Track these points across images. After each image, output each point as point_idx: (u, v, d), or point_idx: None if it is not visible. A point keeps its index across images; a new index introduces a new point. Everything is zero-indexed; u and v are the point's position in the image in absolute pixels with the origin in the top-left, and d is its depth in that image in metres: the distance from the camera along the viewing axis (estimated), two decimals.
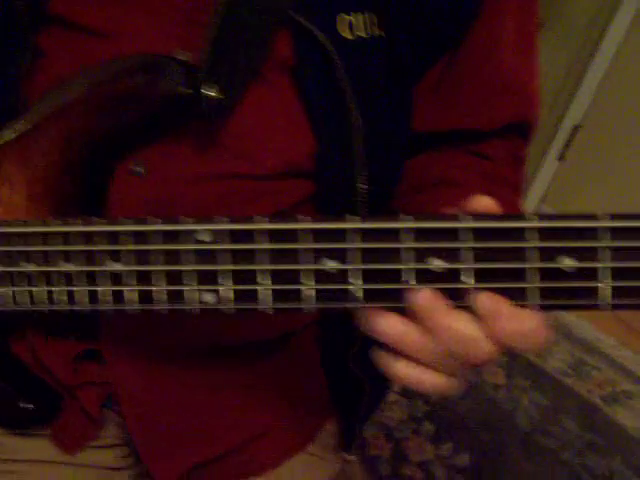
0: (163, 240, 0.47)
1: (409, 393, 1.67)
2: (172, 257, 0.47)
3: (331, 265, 0.44)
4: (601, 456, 1.60)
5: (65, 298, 0.50)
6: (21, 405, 0.63)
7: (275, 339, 0.66)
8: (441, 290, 0.41)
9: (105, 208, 0.56)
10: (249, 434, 0.67)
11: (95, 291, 0.49)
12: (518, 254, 0.41)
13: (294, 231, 0.44)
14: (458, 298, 0.41)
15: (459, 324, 0.39)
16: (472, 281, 0.41)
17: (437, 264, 0.42)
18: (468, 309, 0.41)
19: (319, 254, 0.43)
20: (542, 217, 0.40)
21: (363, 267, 0.43)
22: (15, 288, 0.50)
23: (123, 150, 0.54)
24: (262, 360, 0.67)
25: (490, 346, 0.39)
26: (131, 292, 0.48)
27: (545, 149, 2.41)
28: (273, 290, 0.45)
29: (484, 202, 0.41)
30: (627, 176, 2.21)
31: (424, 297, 0.40)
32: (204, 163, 0.54)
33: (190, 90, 0.49)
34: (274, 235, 0.44)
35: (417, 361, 0.41)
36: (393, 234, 0.42)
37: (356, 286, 0.43)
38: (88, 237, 0.48)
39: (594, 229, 0.40)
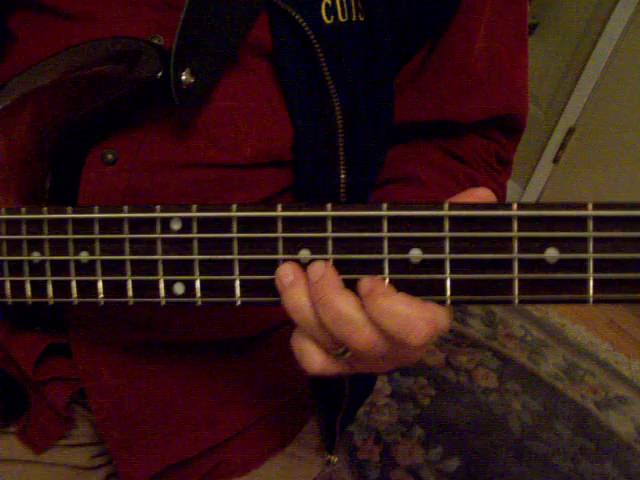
0: (130, 229, 0.45)
1: (399, 396, 1.65)
2: (139, 246, 0.45)
3: (304, 254, 0.42)
4: (594, 462, 1.58)
5: (28, 288, 0.48)
6: None
7: (253, 336, 0.64)
8: (417, 281, 0.40)
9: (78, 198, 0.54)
10: (225, 434, 0.65)
11: (59, 282, 0.47)
12: (497, 244, 0.39)
13: (268, 219, 0.42)
14: (435, 292, 0.40)
15: (341, 302, 0.38)
16: (447, 272, 0.39)
17: (415, 254, 0.40)
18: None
19: (295, 244, 0.42)
20: (523, 205, 0.38)
21: (338, 256, 0.41)
22: None
23: (94, 136, 0.52)
24: (239, 357, 0.65)
25: (369, 331, 0.38)
26: (95, 283, 0.46)
27: (540, 151, 2.40)
28: (243, 281, 0.43)
29: (480, 193, 0.39)
30: (622, 178, 2.20)
31: (315, 271, 0.39)
32: (179, 151, 0.52)
33: (159, 73, 0.47)
34: (246, 223, 0.42)
35: (307, 335, 0.41)
36: (370, 222, 0.40)
37: None
38: (55, 226, 0.47)
39: (579, 218, 0.38)
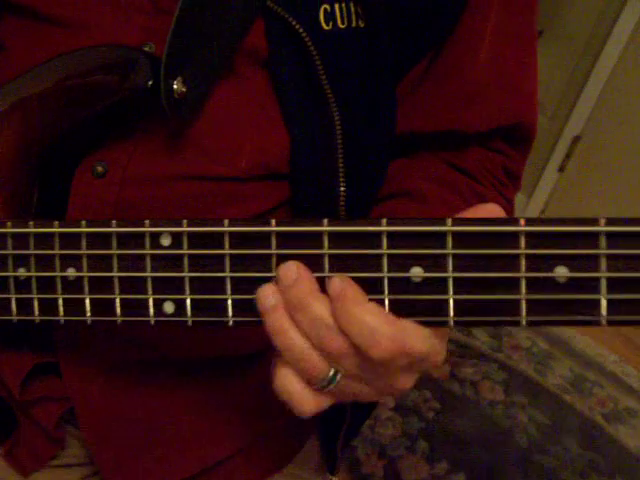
0: (119, 244, 0.43)
1: (403, 409, 1.62)
2: (128, 263, 0.43)
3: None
4: (603, 477, 1.54)
5: (14, 305, 0.46)
6: None
7: (249, 354, 0.62)
8: (418, 301, 0.38)
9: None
10: (222, 454, 0.63)
11: (46, 299, 0.45)
12: (504, 262, 0.37)
13: (262, 235, 0.40)
14: (437, 313, 0.37)
15: (315, 305, 0.37)
16: (451, 292, 0.37)
17: (416, 272, 0.38)
18: None
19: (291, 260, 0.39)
20: (531, 221, 0.36)
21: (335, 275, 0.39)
22: None
23: (84, 148, 0.50)
24: (235, 376, 0.63)
25: (341, 339, 0.37)
26: (82, 301, 0.44)
27: (545, 160, 2.38)
28: (235, 300, 0.41)
29: (488, 209, 0.37)
30: (629, 187, 2.17)
31: (288, 275, 0.38)
32: (170, 163, 0.50)
33: (149, 82, 0.45)
34: (239, 239, 0.40)
35: (290, 367, 0.40)
36: (368, 239, 0.38)
37: None
38: (41, 241, 0.45)
39: (591, 234, 0.35)
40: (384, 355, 0.36)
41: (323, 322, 0.37)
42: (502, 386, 1.74)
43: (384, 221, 0.37)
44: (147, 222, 0.42)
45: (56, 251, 0.44)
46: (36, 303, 0.46)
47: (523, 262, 0.36)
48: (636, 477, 1.56)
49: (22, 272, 0.45)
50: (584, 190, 2.31)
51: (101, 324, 0.44)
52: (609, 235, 0.35)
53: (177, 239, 0.41)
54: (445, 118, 0.58)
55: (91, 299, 0.44)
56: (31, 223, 0.45)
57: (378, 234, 0.38)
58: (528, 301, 0.36)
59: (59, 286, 0.45)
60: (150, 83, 0.45)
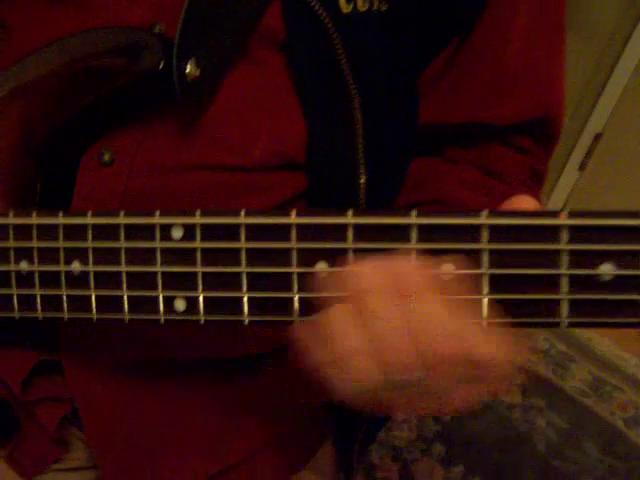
0: (127, 236, 0.40)
1: None
2: (137, 256, 0.40)
3: (321, 267, 0.37)
4: None
5: (15, 301, 0.44)
6: None
7: (262, 353, 0.59)
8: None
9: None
10: (232, 459, 0.60)
11: (49, 295, 0.43)
12: (544, 259, 0.33)
13: (280, 227, 0.37)
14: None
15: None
16: (485, 290, 0.34)
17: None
18: None
19: (311, 255, 0.37)
20: (574, 214, 0.33)
21: None
22: None
23: (90, 136, 0.47)
24: (248, 377, 0.60)
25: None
26: (88, 297, 0.41)
27: (565, 158, 2.34)
28: (252, 297, 0.38)
29: (525, 203, 0.34)
30: None
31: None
32: (182, 152, 0.48)
33: (161, 65, 0.42)
34: (256, 232, 0.37)
35: None
36: (396, 232, 0.35)
37: None
38: (44, 233, 0.42)
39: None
40: (444, 356, 0.32)
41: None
42: (520, 389, 1.71)
43: (414, 213, 0.34)
44: (157, 213, 0.39)
45: (60, 244, 0.42)
46: (39, 299, 0.43)
47: (565, 258, 0.33)
48: None
49: (24, 266, 0.43)
50: (605, 190, 2.27)
51: (107, 322, 0.42)
52: None
53: (189, 231, 0.38)
54: (472, 109, 0.55)
55: (97, 295, 0.42)
56: (34, 214, 0.42)
57: (407, 227, 0.35)
58: (570, 300, 0.34)
59: (63, 281, 0.42)
60: (161, 66, 0.43)
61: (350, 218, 0.35)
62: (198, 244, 0.38)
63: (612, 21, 2.20)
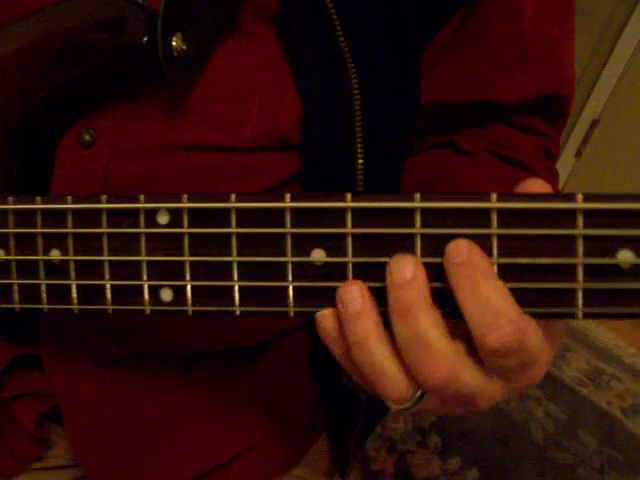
0: (109, 222, 0.38)
1: None
2: (120, 244, 0.38)
3: (318, 255, 0.34)
4: (622, 474, 1.49)
5: None
6: None
7: (253, 345, 0.57)
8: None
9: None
10: (224, 455, 0.58)
11: (27, 285, 0.40)
12: (558, 245, 0.31)
13: (274, 211, 0.34)
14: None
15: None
16: None
17: None
18: None
19: (307, 242, 0.34)
20: (590, 197, 0.31)
21: (360, 259, 0.33)
22: None
23: (70, 116, 0.45)
24: (239, 370, 0.58)
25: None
26: (68, 287, 0.39)
27: (561, 145, 2.32)
28: (243, 287, 0.36)
29: (538, 186, 0.32)
30: None
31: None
32: (168, 131, 0.45)
33: (145, 39, 0.39)
34: (248, 216, 0.35)
35: None
36: (399, 217, 0.32)
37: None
38: (22, 219, 0.39)
39: None
40: (500, 344, 0.30)
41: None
42: None
43: (417, 196, 0.32)
44: (141, 197, 0.37)
45: (38, 230, 0.39)
46: (16, 289, 0.40)
47: (581, 245, 0.31)
48: None
49: (0, 254, 0.40)
50: (602, 177, 2.26)
51: (90, 313, 0.39)
52: None
53: (176, 216, 0.36)
54: (480, 87, 0.53)
55: (78, 285, 0.39)
56: (10, 199, 0.39)
57: (410, 211, 0.32)
58: (586, 290, 0.31)
59: (42, 270, 0.40)
60: (145, 40, 0.40)
61: (349, 202, 0.33)
62: (185, 230, 0.36)
63: (608, 7, 2.19)
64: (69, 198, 0.38)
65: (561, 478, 1.47)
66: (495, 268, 0.32)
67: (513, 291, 0.32)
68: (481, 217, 0.32)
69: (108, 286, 0.38)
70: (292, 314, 0.35)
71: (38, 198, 0.39)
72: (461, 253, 0.30)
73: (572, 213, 0.31)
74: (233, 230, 0.35)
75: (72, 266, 0.39)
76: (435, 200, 0.32)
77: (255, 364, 0.59)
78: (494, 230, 0.31)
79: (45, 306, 0.40)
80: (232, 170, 0.47)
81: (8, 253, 0.40)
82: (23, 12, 0.43)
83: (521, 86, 0.53)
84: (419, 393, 0.33)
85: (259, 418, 0.59)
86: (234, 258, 0.35)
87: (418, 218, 0.32)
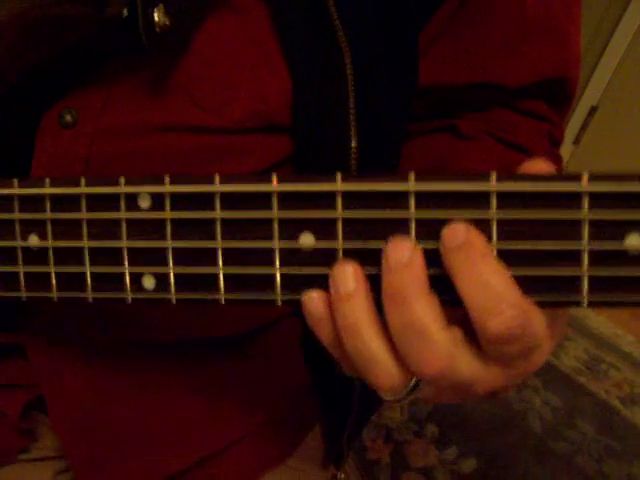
0: (89, 207, 0.36)
1: None
2: (100, 229, 0.36)
3: (307, 241, 0.33)
4: (620, 462, 1.48)
5: None
6: None
7: (245, 333, 0.55)
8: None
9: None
10: (216, 445, 0.57)
11: (5, 272, 0.38)
12: (562, 229, 0.29)
13: (260, 195, 0.32)
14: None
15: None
16: None
17: None
18: None
19: (295, 226, 0.32)
20: (596, 177, 0.29)
21: (351, 245, 0.31)
22: None
23: (49, 95, 0.43)
24: (230, 358, 0.57)
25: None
26: (47, 274, 0.37)
27: None
28: (228, 274, 0.34)
29: (540, 166, 0.30)
30: None
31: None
32: (151, 111, 0.43)
33: (125, 12, 0.37)
34: (233, 200, 0.33)
35: None
36: (392, 200, 0.31)
37: None
38: None
39: None
40: (503, 329, 0.28)
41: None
42: None
43: (412, 177, 0.30)
44: (122, 180, 0.35)
45: (15, 215, 0.37)
46: None
47: (586, 229, 0.29)
48: None
49: None
50: (600, 164, 2.24)
51: (70, 301, 0.38)
52: None
53: (158, 200, 0.34)
54: (482, 68, 0.51)
55: (57, 272, 0.37)
56: None
57: (404, 194, 0.30)
58: (591, 277, 0.29)
59: (20, 257, 0.38)
60: (125, 13, 0.38)
61: (339, 185, 0.31)
62: (168, 214, 0.34)
63: None
64: (47, 181, 0.36)
65: (559, 467, 1.46)
66: (495, 254, 0.30)
67: (514, 278, 0.30)
68: (480, 200, 0.30)
69: (88, 273, 0.36)
70: (280, 303, 0.33)
71: (15, 182, 0.37)
72: (458, 236, 0.29)
73: (577, 196, 0.29)
74: (217, 215, 0.33)
75: (51, 253, 0.37)
76: (430, 182, 0.30)
77: (246, 352, 0.57)
78: (493, 214, 0.30)
79: (24, 294, 0.38)
80: (219, 152, 0.45)
81: None
82: None
83: (524, 68, 0.51)
84: (413, 382, 0.31)
85: (251, 407, 0.58)
86: (219, 244, 0.34)
87: (412, 201, 0.30)
